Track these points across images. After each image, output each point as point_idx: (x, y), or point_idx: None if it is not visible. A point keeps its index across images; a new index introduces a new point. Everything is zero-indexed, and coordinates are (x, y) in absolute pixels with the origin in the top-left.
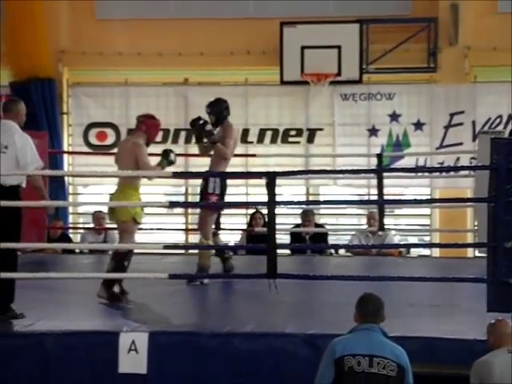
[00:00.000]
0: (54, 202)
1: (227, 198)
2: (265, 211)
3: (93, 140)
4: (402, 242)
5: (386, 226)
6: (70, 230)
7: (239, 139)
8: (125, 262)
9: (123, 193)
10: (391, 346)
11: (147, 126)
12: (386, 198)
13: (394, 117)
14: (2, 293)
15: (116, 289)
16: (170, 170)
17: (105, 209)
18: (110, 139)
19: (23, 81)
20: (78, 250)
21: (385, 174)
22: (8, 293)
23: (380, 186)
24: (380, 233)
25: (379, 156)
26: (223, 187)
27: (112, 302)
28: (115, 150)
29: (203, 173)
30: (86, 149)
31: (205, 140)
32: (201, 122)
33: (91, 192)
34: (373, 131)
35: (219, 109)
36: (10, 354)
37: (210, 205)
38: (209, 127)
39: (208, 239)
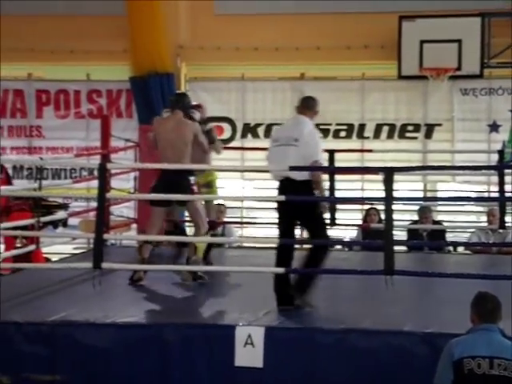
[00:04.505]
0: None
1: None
2: (381, 207)
3: None
4: None
5: (506, 224)
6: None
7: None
8: None
9: None
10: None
11: None
12: (507, 195)
13: None
14: (302, 283)
15: None
16: None
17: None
18: (227, 133)
19: (143, 76)
20: None
21: (506, 171)
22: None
23: (501, 183)
24: (500, 230)
25: (500, 152)
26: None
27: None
28: (232, 144)
29: (308, 167)
30: None
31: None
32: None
33: None
34: (494, 127)
35: None
36: (131, 345)
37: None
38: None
39: None
